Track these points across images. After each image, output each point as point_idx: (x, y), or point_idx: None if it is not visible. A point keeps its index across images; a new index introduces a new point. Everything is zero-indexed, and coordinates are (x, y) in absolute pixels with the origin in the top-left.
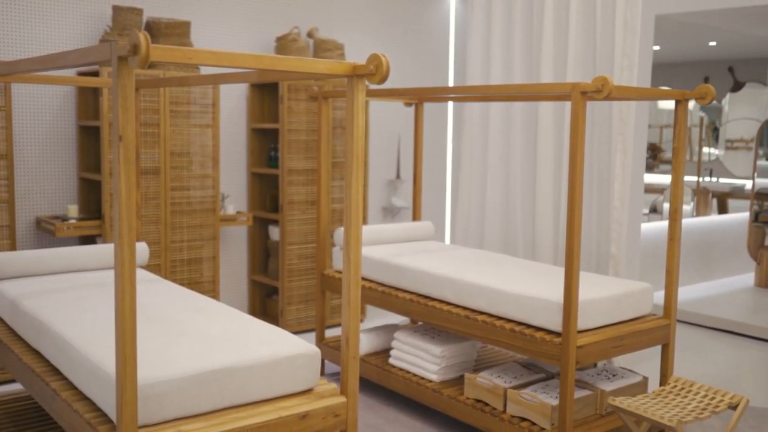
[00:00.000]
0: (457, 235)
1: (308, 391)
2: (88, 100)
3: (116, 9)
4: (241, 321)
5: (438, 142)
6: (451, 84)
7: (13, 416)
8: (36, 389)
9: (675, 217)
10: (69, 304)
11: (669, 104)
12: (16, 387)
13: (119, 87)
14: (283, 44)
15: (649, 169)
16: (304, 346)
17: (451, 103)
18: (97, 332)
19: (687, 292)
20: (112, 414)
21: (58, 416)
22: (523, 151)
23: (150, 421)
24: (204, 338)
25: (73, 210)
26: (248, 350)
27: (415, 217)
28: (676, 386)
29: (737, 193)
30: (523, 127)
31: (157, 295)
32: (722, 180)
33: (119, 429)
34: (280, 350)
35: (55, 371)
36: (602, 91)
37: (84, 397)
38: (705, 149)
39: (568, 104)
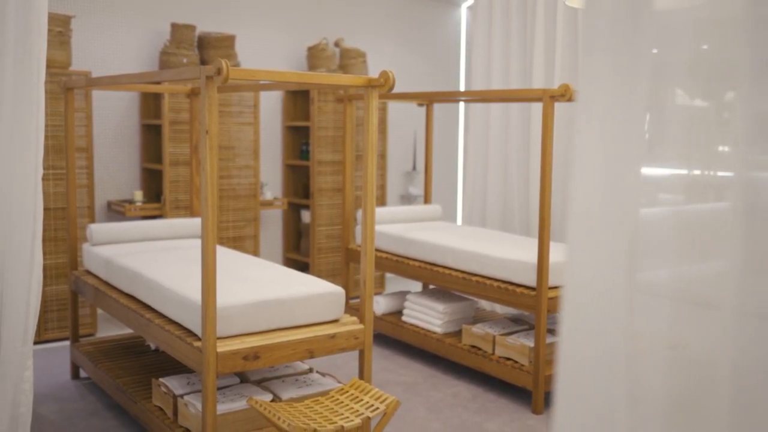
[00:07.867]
0: (465, 218)
1: (335, 320)
2: (150, 103)
3: (174, 26)
4: (285, 271)
5: (452, 137)
6: (462, 86)
7: (104, 353)
8: (133, 322)
9: None
10: (154, 260)
11: None
12: (99, 336)
13: (207, 97)
14: (314, 53)
15: None
16: (333, 287)
17: (462, 104)
18: (180, 276)
19: None
20: (197, 330)
21: (152, 337)
22: (519, 145)
23: (223, 335)
24: (259, 280)
25: (138, 195)
26: (292, 288)
27: (426, 201)
28: None
29: None
30: (519, 125)
31: (220, 254)
32: None
33: (204, 338)
34: (315, 289)
35: (147, 307)
36: (565, 95)
37: (172, 322)
38: None
39: (557, 105)
